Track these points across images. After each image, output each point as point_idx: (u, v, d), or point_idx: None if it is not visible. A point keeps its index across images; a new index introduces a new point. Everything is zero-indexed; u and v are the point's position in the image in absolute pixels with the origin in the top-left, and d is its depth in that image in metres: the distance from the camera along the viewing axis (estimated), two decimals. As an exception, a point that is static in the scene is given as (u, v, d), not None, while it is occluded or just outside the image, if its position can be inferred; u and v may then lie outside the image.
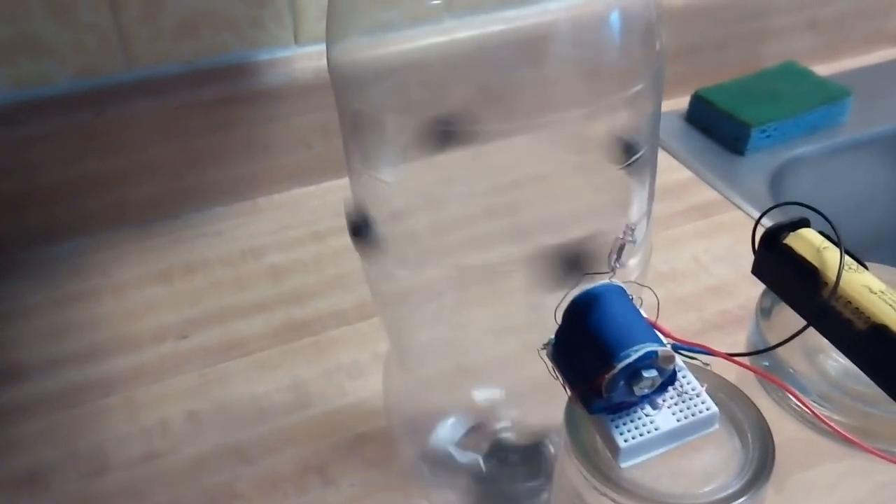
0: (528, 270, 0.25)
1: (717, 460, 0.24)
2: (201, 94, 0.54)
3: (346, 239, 0.31)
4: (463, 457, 0.37)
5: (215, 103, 0.54)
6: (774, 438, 0.24)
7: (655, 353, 0.21)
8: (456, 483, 0.37)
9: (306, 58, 0.55)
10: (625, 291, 0.24)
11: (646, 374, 0.22)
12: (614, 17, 0.23)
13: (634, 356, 0.21)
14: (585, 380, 0.23)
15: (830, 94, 0.65)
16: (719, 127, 0.63)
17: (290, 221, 0.57)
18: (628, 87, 0.24)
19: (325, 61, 0.28)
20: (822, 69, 0.71)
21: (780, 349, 0.25)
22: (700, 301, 0.49)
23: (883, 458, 0.23)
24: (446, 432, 0.37)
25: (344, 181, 0.30)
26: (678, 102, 0.68)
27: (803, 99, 0.64)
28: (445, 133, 0.25)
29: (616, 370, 0.21)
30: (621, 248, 0.23)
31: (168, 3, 0.51)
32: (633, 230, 0.24)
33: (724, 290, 0.50)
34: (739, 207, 0.57)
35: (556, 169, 0.26)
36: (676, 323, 0.47)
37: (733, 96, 0.64)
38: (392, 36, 0.25)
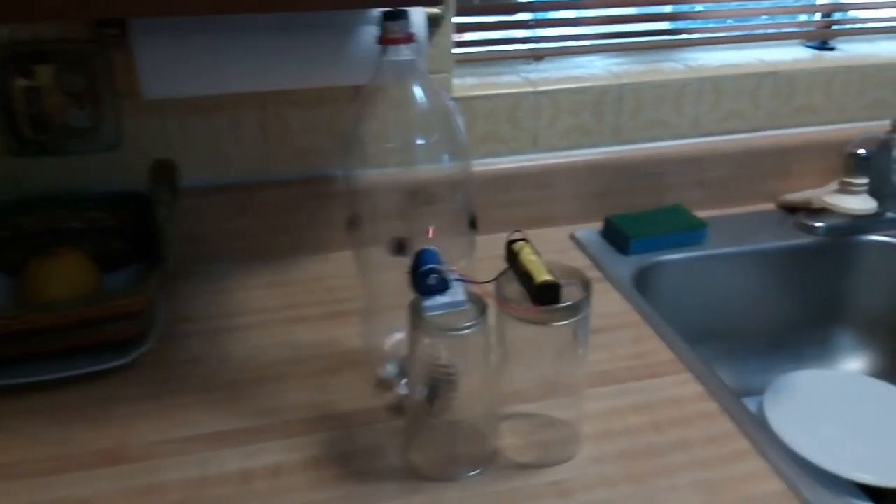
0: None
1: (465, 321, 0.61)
2: (304, 190, 0.97)
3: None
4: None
5: (311, 196, 0.97)
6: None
7: (432, 268, 0.60)
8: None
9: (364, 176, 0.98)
10: (437, 253, 0.62)
11: (430, 279, 0.60)
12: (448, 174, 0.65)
13: (424, 268, 0.60)
14: (414, 283, 0.61)
15: (694, 224, 1.01)
16: (615, 238, 1.00)
17: (343, 266, 0.97)
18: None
19: (375, 178, 0.70)
20: (708, 213, 1.08)
21: (509, 289, 0.63)
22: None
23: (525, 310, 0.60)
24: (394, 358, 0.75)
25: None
26: (600, 225, 1.06)
27: (674, 225, 1.01)
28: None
29: (419, 274, 0.60)
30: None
31: (290, 140, 0.95)
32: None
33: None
34: (608, 280, 0.93)
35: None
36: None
37: (629, 220, 1.02)
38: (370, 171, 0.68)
